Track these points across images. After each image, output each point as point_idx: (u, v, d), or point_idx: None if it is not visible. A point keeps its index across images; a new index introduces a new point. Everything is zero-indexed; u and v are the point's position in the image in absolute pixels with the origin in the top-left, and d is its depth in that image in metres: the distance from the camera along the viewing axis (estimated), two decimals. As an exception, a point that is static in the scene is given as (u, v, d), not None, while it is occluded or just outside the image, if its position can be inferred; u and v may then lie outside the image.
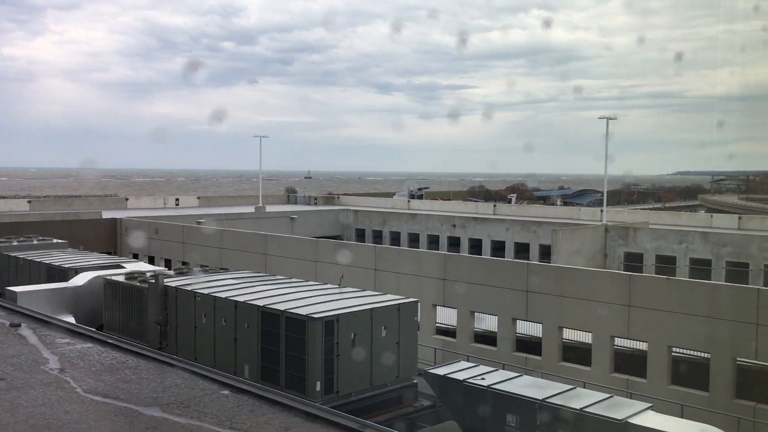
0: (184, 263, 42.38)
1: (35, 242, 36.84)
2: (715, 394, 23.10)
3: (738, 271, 41.51)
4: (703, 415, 21.01)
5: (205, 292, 22.55)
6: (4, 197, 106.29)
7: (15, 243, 36.00)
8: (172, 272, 26.90)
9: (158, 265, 38.91)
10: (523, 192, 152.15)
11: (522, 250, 51.27)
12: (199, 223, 50.67)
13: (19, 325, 17.42)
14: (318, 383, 19.24)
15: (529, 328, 29.02)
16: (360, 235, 63.32)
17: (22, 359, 14.00)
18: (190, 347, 22.66)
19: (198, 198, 77.30)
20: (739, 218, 56.03)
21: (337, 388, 19.78)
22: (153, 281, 23.96)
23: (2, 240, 36.62)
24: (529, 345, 28.68)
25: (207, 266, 34.19)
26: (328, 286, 24.15)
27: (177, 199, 73.10)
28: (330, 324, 19.53)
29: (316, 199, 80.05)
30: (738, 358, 23.24)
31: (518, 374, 21.66)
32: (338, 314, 19.91)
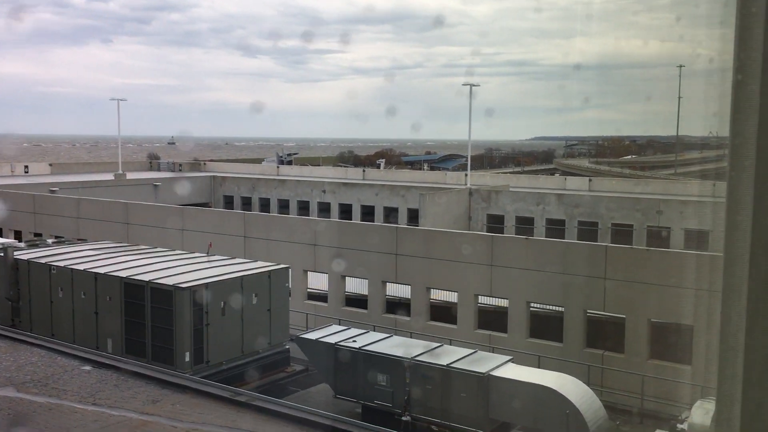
0: (36, 235, 39.66)
1: None
2: (569, 345, 24.89)
3: (589, 230, 44.65)
4: (558, 364, 22.62)
5: (61, 264, 21.30)
6: None
7: None
8: (22, 244, 25.14)
9: (7, 238, 36.18)
10: (391, 157, 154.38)
11: (391, 214, 52.28)
12: (52, 191, 47.49)
13: None
14: (187, 354, 18.83)
15: (398, 290, 29.79)
16: (228, 202, 61.96)
17: None
18: (47, 323, 21.40)
19: (50, 165, 72.26)
20: (590, 181, 60.08)
21: (207, 357, 19.46)
22: (1, 254, 22.29)
23: None
24: (398, 306, 29.48)
25: (63, 237, 32.22)
26: (196, 254, 23.55)
27: (26, 167, 67.99)
28: (198, 293, 19.10)
29: (180, 165, 77.21)
30: (588, 311, 25.11)
31: (388, 335, 22.26)
32: (207, 283, 19.50)
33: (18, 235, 41.17)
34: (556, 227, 45.68)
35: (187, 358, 18.82)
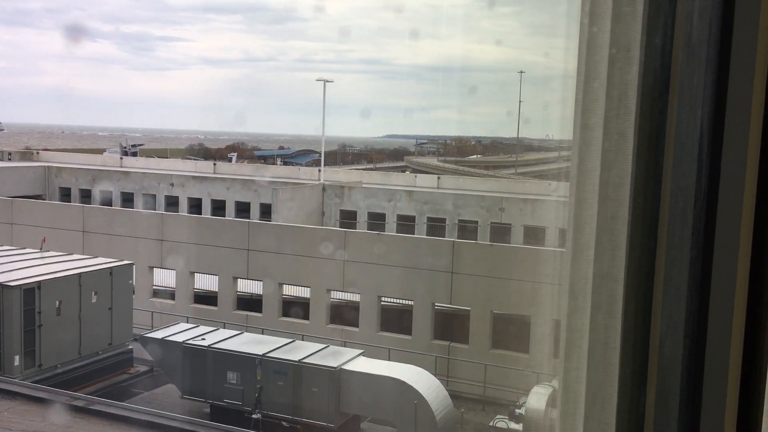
0: None
1: None
2: (417, 337, 25.70)
3: (437, 226, 46.30)
4: (407, 356, 23.29)
5: None
6: None
7: None
8: None
9: None
10: (243, 151, 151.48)
11: (243, 209, 51.30)
12: None
13: None
14: (17, 357, 17.39)
15: (250, 286, 29.30)
16: (65, 195, 57.90)
17: None
18: None
19: None
20: (438, 178, 62.30)
21: (40, 361, 18.10)
22: None
23: None
24: (250, 303, 28.99)
25: None
26: (28, 250, 21.81)
27: None
28: (30, 291, 17.71)
29: (10, 154, 71.13)
30: (436, 304, 26.05)
31: (239, 332, 21.84)
32: (40, 281, 18.11)
33: None
34: (406, 223, 46.94)
35: (17, 362, 17.38)
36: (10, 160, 68.36)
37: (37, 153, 75.91)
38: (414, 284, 25.97)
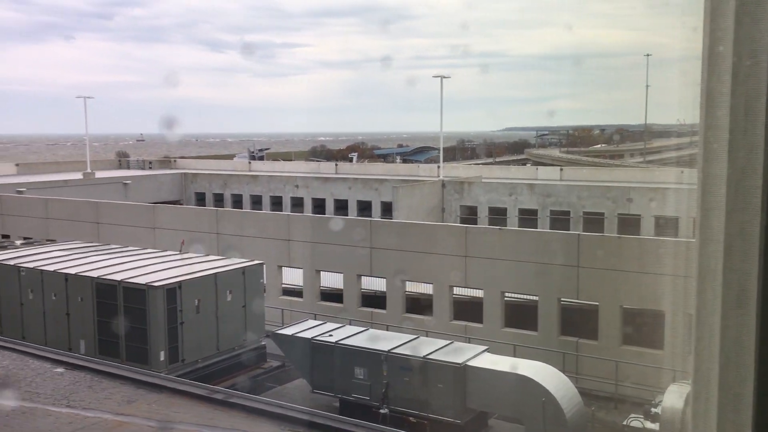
0: (4, 236, 38.91)
1: None
2: (544, 333, 25.14)
3: (561, 219, 45.07)
4: (534, 353, 22.83)
5: (31, 266, 20.92)
6: None
7: None
8: (-10, 247, 24.66)
9: (-27, 240, 35.42)
10: (363, 151, 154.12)
11: (365, 207, 52.23)
12: (19, 192, 46.60)
13: None
14: (162, 353, 18.65)
15: (373, 284, 29.80)
16: (200, 199, 61.36)
17: None
18: (17, 326, 21.03)
19: (16, 165, 70.89)
20: (561, 170, 60.59)
21: (183, 356, 19.29)
22: (-32, 258, 21.84)
23: None
24: (374, 300, 29.49)
25: (31, 239, 31.67)
26: (168, 252, 23.30)
27: (-9, 167, 66.58)
28: (172, 291, 18.91)
29: (150, 163, 76.24)
30: (562, 299, 25.37)
31: (364, 329, 22.26)
32: (180, 281, 19.30)
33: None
34: (528, 217, 46.03)
35: (162, 357, 18.64)
36: (150, 168, 73.29)
37: (175, 161, 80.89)
38: (538, 279, 25.42)
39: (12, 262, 21.40)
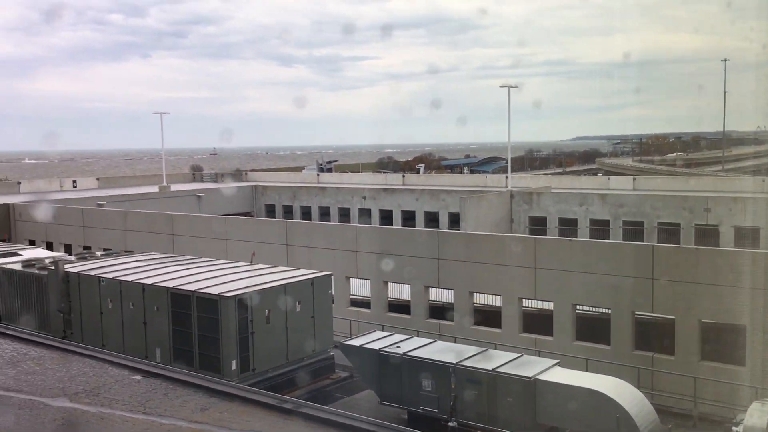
0: (85, 248, 40.64)
1: None
2: (617, 347, 24.42)
3: (634, 230, 43.81)
4: (606, 367, 22.21)
5: (110, 276, 21.76)
6: None
7: None
8: (72, 258, 25.77)
9: (57, 251, 37.13)
10: (430, 162, 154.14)
11: (432, 219, 52.13)
12: (99, 205, 48.63)
13: None
14: (233, 362, 19.03)
15: (441, 295, 29.65)
16: (270, 211, 62.58)
17: None
18: (97, 334, 21.88)
19: (97, 179, 74.04)
20: (634, 179, 58.99)
21: (253, 365, 19.63)
22: (53, 268, 22.88)
23: None
24: (442, 311, 29.33)
25: (110, 250, 32.95)
26: (240, 263, 23.81)
27: (74, 181, 69.78)
28: (243, 302, 19.30)
29: (222, 176, 78.33)
30: (636, 312, 24.60)
31: (432, 340, 22.14)
32: (251, 291, 19.68)
33: (68, 249, 42.25)
34: (600, 228, 44.94)
35: (234, 366, 19.02)
36: (222, 181, 75.26)
37: (246, 174, 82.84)
38: (611, 292, 24.75)
39: (93, 273, 22.30)
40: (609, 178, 64.26)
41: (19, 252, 28.76)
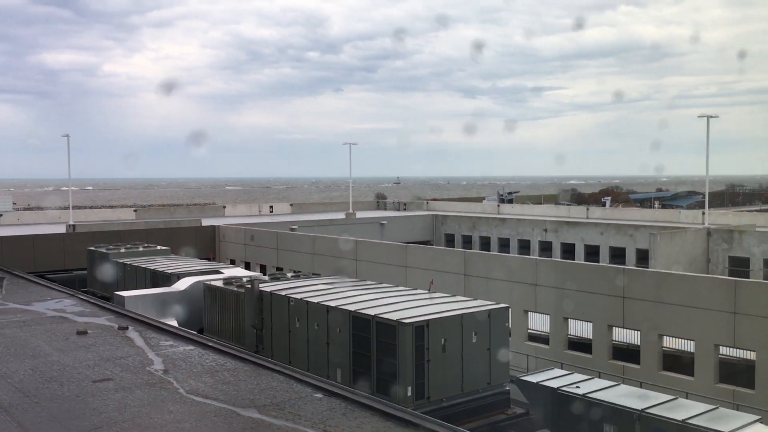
0: (278, 269, 43.52)
1: (141, 249, 38.79)
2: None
3: None
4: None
5: (298, 296, 23.07)
6: (112, 207, 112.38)
7: (123, 250, 38.02)
8: (266, 277, 27.69)
9: (254, 271, 40.13)
10: (617, 195, 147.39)
11: (617, 254, 49.68)
12: (292, 229, 51.91)
13: (127, 328, 18.37)
14: (409, 388, 19.30)
15: (626, 336, 28.07)
16: (449, 240, 63.09)
17: (129, 360, 14.78)
18: (285, 351, 23.23)
19: (291, 205, 79.22)
20: None
21: (428, 393, 19.77)
22: (249, 286, 24.73)
23: (111, 247, 38.75)
24: (626, 353, 27.73)
25: (300, 272, 35.00)
26: (418, 291, 24.20)
27: (271, 207, 75.20)
28: (420, 329, 19.56)
29: (405, 204, 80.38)
30: None
31: (615, 383, 21.00)
32: (428, 319, 19.91)
33: (263, 269, 45.52)
34: (814, 272, 40.21)
35: (409, 393, 19.27)
36: (405, 209, 77.22)
37: (427, 202, 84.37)
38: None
39: (283, 293, 23.78)
40: (826, 217, 57.40)
41: (221, 270, 31.42)
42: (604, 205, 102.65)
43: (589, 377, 21.52)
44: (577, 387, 19.96)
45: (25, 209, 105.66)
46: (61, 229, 51.72)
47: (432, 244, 59.24)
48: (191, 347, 16.27)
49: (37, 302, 22.66)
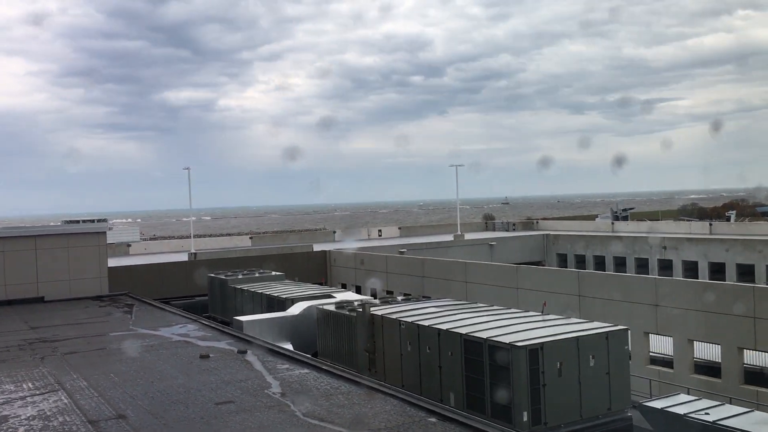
0: (388, 292, 43.86)
1: (257, 275, 40.26)
2: None
3: None
4: None
5: (409, 320, 23.13)
6: (229, 234, 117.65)
7: (240, 276, 39.63)
8: (377, 301, 27.97)
9: (364, 295, 40.66)
10: (743, 208, 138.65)
11: (745, 272, 46.63)
12: (401, 253, 52.27)
13: (246, 352, 19.07)
14: (525, 413, 18.84)
15: (759, 359, 26.20)
16: (562, 260, 61.46)
17: (249, 383, 15.30)
18: (397, 374, 23.30)
19: (399, 228, 79.87)
20: None
21: (545, 419, 19.21)
22: (360, 310, 25.07)
23: (229, 273, 40.50)
24: (760, 377, 25.87)
25: (410, 295, 35.10)
26: (531, 313, 23.68)
27: (380, 231, 76.11)
28: (534, 352, 19.10)
29: (514, 224, 79.12)
30: None
31: (748, 410, 19.63)
32: (543, 342, 19.41)
33: (373, 293, 46.02)
34: None
35: (525, 418, 18.81)
36: (514, 230, 76.04)
37: (537, 222, 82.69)
38: None
39: (394, 316, 23.92)
40: None
41: (333, 294, 32.05)
42: (728, 219, 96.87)
43: (719, 403, 20.23)
44: (706, 413, 18.81)
45: (151, 239, 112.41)
46: (184, 258, 54.57)
47: (543, 265, 57.88)
48: (306, 370, 16.63)
49: (163, 327, 23.94)
